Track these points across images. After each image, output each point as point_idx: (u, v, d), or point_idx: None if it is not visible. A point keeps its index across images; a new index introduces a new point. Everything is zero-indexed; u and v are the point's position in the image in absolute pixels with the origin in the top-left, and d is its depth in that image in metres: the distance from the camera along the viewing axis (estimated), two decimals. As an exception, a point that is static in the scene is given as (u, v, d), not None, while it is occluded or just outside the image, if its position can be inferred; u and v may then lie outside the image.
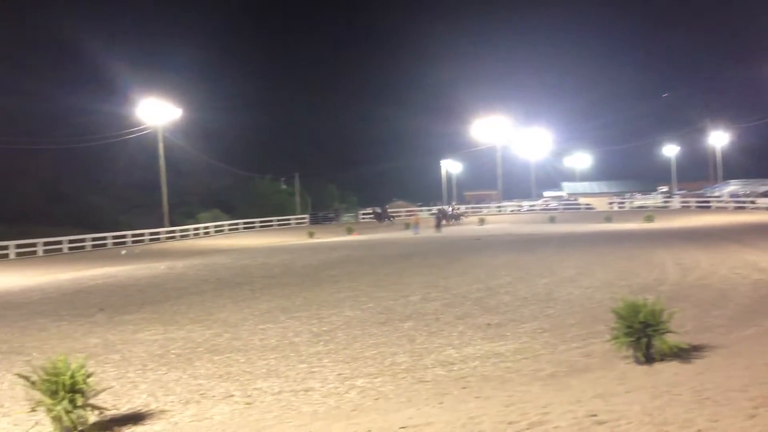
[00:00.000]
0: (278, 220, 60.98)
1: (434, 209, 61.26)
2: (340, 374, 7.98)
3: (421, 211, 65.31)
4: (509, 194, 78.30)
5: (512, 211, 66.01)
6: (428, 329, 10.37)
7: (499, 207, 67.87)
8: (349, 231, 47.47)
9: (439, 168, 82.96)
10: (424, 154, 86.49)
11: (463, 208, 63.08)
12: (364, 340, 9.81)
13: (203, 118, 61.68)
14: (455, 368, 7.95)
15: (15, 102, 58.59)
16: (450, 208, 57.93)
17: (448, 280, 16.09)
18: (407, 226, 48.43)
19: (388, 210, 63.67)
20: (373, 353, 8.95)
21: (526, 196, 79.04)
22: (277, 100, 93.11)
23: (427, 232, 41.32)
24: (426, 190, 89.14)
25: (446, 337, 9.69)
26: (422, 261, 21.74)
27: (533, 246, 25.47)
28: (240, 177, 70.87)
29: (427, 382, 7.45)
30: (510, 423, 5.06)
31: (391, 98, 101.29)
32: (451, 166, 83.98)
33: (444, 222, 49.35)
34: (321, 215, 64.62)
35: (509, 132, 72.81)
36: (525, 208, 67.47)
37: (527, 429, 4.84)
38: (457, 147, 79.66)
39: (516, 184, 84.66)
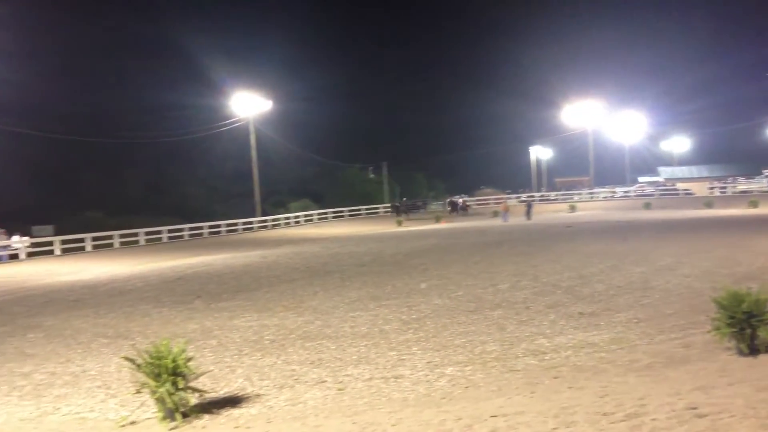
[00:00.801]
0: (366, 209, 61.56)
1: (522, 197, 60.31)
2: (429, 362, 8.00)
3: (510, 198, 64.36)
4: (602, 180, 76.13)
5: (605, 197, 64.14)
6: (518, 318, 10.23)
7: (591, 193, 66.06)
8: (438, 219, 47.41)
9: (528, 154, 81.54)
10: (513, 140, 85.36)
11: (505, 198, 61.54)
12: (453, 329, 9.78)
13: (293, 109, 63.07)
14: (547, 358, 7.82)
15: (118, 98, 61.70)
16: (460, 199, 58.06)
17: (538, 268, 15.81)
18: (495, 214, 47.91)
19: (418, 203, 63.43)
20: (463, 341, 8.92)
21: (620, 181, 76.64)
22: (367, 89, 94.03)
23: (516, 219, 40.73)
24: (515, 177, 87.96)
25: (537, 326, 9.53)
26: (511, 249, 21.44)
27: (628, 233, 24.67)
28: (328, 166, 71.97)
29: (518, 371, 7.36)
30: (605, 414, 4.93)
31: (479, 84, 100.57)
32: (540, 152, 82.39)
33: (455, 213, 49.52)
34: (408, 204, 64.87)
35: (602, 116, 70.64)
36: (619, 194, 65.46)
37: (623, 420, 4.69)
38: (547, 132, 78.11)
39: (609, 170, 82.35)
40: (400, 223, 45.55)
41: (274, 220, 51.96)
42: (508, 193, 71.50)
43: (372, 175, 78.07)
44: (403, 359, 8.23)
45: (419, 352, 8.54)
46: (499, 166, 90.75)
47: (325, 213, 57.81)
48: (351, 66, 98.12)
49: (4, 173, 53.10)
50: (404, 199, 66.44)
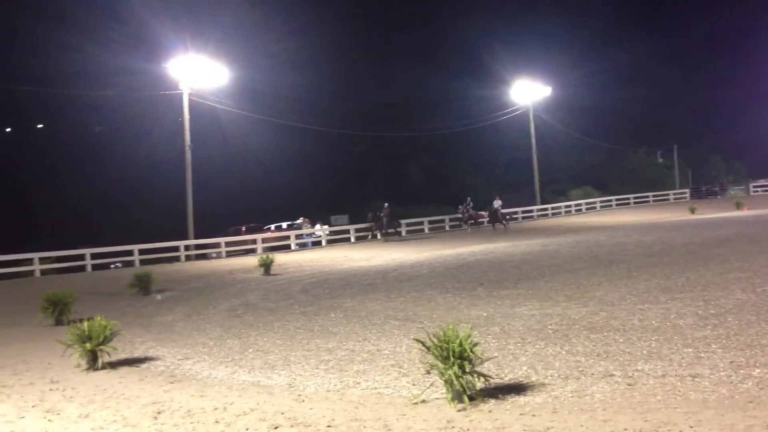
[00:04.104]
0: (654, 196, 57.72)
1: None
2: (732, 362, 7.23)
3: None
4: None
5: None
6: None
7: None
8: (739, 206, 42.77)
9: None
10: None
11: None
12: (760, 327, 8.73)
13: (572, 94, 61.25)
14: None
15: (403, 92, 65.64)
16: (469, 204, 40.29)
17: None
18: None
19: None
20: (773, 342, 7.93)
21: None
22: (652, 71, 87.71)
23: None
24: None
25: None
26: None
27: None
28: (611, 152, 68.82)
29: None
30: None
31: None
32: None
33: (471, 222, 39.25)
34: (704, 189, 59.36)
35: None
36: None
37: None
38: None
39: None
40: (693, 211, 41.94)
41: (554, 208, 51.24)
42: None
43: (661, 160, 72.82)
44: (701, 357, 7.55)
45: (719, 350, 7.77)
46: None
47: (609, 200, 55.43)
48: (639, 47, 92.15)
49: (310, 169, 59.52)
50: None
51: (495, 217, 38.51)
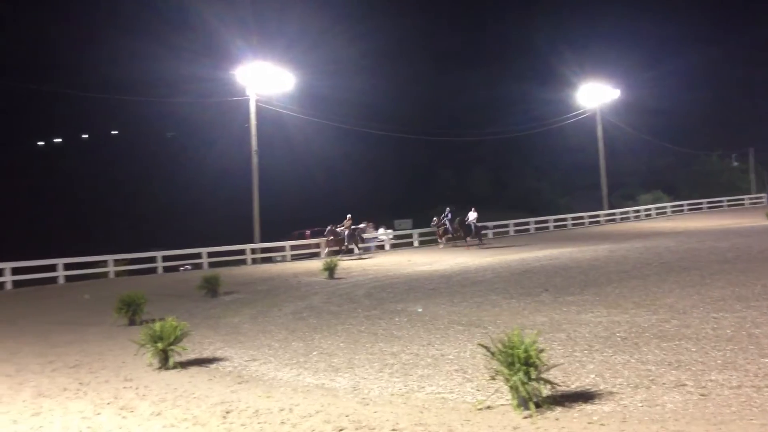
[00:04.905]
0: (729, 200, 55.64)
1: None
2: (814, 374, 6.93)
3: None
4: None
5: None
6: None
7: None
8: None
9: None
10: None
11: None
12: None
13: (642, 96, 59.56)
14: None
15: (461, 96, 65.44)
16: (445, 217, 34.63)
17: None
18: None
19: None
20: None
21: None
22: (727, 72, 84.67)
23: None
24: None
25: None
26: None
27: None
28: (683, 155, 66.69)
29: None
30: None
31: None
32: None
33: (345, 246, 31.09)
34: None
35: None
36: None
37: None
38: None
39: None
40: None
41: (622, 213, 50.07)
42: None
43: (735, 163, 70.12)
44: (780, 368, 7.26)
45: (800, 362, 7.46)
46: None
47: (680, 205, 53.72)
48: (709, 47, 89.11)
49: (374, 173, 59.90)
50: None
51: (468, 231, 33.39)
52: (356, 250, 31.61)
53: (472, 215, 33.99)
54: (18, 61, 69.03)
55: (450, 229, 33.91)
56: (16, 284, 25.63)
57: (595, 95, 50.76)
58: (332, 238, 31.92)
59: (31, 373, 9.87)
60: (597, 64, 55.46)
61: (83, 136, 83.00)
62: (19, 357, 11.36)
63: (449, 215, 34.25)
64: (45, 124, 74.15)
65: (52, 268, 27.18)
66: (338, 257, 27.05)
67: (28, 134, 76.10)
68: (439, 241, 34.97)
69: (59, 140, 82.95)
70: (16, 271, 26.04)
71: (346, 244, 31.46)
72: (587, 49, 68.25)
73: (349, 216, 32.19)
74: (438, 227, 34.70)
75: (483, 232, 34.99)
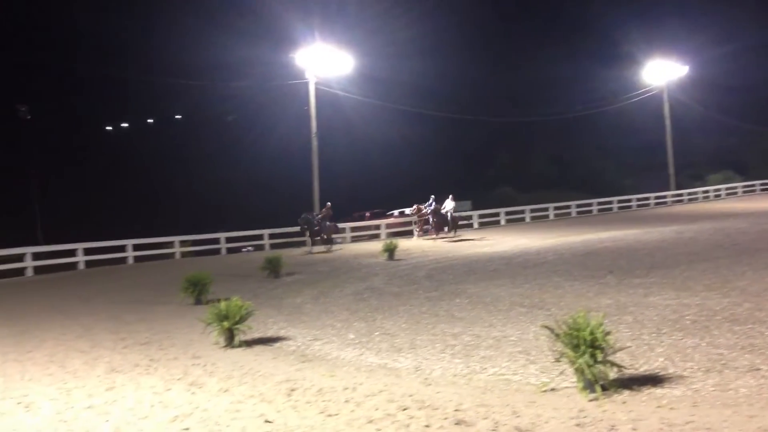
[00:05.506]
0: (803, 180, 53.30)
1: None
2: None
3: None
4: None
5: None
6: None
7: None
8: None
9: None
10: None
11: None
12: None
13: (713, 73, 57.25)
14: None
15: (520, 76, 64.42)
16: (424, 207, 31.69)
17: None
18: None
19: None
20: None
21: None
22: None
23: None
24: None
25: None
26: None
27: None
28: (755, 133, 64.02)
29: None
30: None
31: None
32: None
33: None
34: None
35: None
36: None
37: None
38: None
39: None
40: None
41: (690, 193, 48.61)
42: None
43: (812, 141, 66.87)
44: None
45: None
46: None
47: (752, 185, 51.73)
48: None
49: (433, 155, 59.67)
50: None
51: (444, 221, 30.81)
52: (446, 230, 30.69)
53: (449, 204, 31.24)
54: (85, 48, 71.05)
55: (431, 220, 30.93)
56: (88, 264, 26.65)
57: (661, 72, 49.19)
58: (420, 219, 31.45)
59: (104, 349, 10.24)
60: (665, 41, 53.60)
61: (148, 120, 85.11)
62: (93, 333, 11.82)
63: (432, 204, 31.12)
64: (113, 109, 76.28)
65: (122, 249, 28.13)
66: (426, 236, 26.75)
67: (97, 120, 78.41)
68: (415, 231, 32.54)
69: (126, 125, 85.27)
70: (87, 251, 27.06)
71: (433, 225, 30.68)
72: (656, 26, 65.99)
73: (432, 197, 30.96)
74: (419, 217, 31.87)
75: (460, 222, 32.53)
